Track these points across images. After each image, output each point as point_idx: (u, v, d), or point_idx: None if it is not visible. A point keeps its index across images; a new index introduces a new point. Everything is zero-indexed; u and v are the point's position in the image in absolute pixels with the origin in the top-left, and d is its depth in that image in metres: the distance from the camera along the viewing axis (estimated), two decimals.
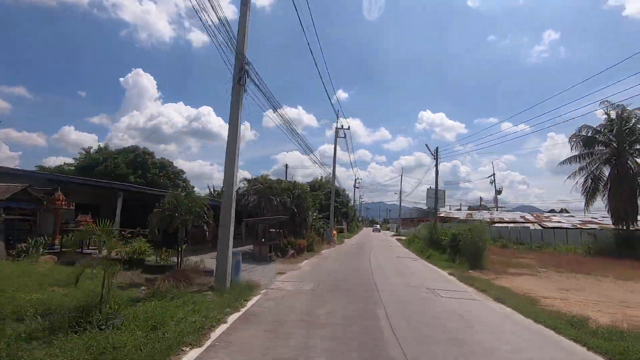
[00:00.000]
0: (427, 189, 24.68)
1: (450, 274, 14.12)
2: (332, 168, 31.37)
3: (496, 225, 33.48)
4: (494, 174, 55.42)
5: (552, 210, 53.39)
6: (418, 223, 61.61)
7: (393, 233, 63.65)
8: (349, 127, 31.38)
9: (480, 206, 61.44)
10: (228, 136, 9.20)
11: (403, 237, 42.94)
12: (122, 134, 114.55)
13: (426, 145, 23.71)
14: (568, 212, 52.03)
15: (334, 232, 31.60)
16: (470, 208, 57.46)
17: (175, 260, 10.56)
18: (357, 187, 69.90)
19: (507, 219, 37.72)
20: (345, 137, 31.63)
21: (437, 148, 24.22)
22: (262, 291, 8.99)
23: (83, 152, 36.75)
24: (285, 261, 15.97)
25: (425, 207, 74.96)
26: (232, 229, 9.03)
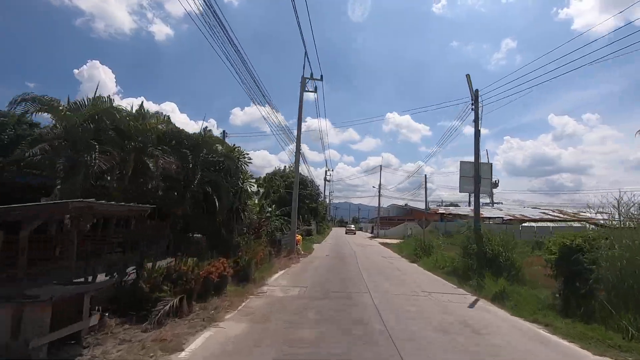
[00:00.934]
0: (460, 162, 14.33)
1: None
2: (301, 158, 20.11)
3: (527, 225, 24.03)
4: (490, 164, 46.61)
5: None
6: (398, 223, 52.03)
7: (370, 235, 53.51)
8: (321, 76, 20.39)
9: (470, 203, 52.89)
10: None
11: (391, 241, 32.28)
12: None
13: (467, 75, 13.35)
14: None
15: (298, 237, 20.50)
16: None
17: None
18: (328, 181, 59.38)
19: (532, 217, 28.31)
20: (315, 91, 20.65)
21: (477, 90, 13.92)
22: None
23: None
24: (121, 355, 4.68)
25: (402, 205, 65.59)
26: None
